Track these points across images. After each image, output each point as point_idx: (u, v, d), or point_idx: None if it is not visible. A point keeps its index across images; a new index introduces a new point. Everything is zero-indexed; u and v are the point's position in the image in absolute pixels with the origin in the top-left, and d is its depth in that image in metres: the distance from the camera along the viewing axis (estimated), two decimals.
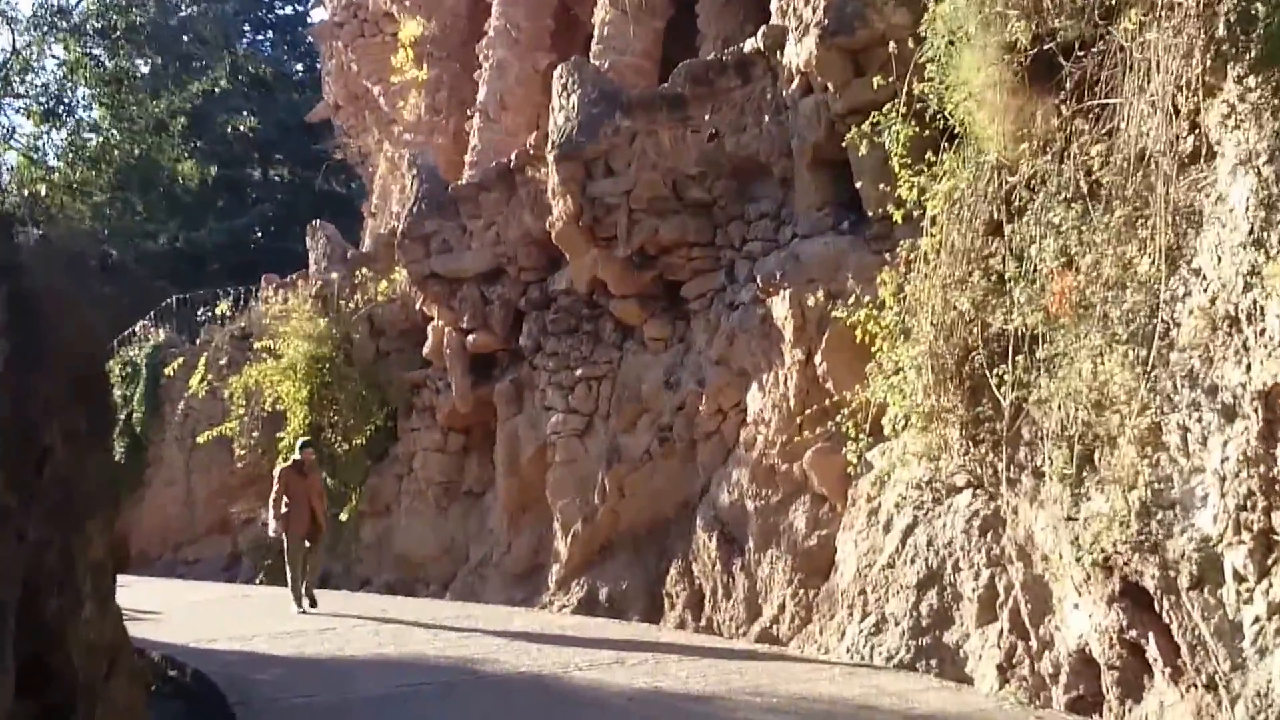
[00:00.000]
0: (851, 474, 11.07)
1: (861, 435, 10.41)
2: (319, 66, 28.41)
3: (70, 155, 32.53)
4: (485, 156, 18.34)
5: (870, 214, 11.18)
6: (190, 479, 23.47)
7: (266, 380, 19.52)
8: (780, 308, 12.01)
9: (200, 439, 21.56)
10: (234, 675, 10.74)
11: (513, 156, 15.89)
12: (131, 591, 17.47)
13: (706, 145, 13.21)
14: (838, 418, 10.69)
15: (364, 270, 19.31)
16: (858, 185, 11.27)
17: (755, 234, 12.95)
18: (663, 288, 14.19)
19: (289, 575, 14.81)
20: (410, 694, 9.86)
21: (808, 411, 11.67)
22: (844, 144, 10.91)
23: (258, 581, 20.53)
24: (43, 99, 26.43)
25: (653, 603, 13.56)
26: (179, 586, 20.27)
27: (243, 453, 20.94)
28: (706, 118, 13.20)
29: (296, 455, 15.25)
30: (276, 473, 15.11)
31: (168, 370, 23.64)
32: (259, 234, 34.03)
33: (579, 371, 15.04)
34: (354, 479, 18.94)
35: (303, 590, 14.74)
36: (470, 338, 16.79)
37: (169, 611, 15.77)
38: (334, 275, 19.83)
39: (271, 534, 15.29)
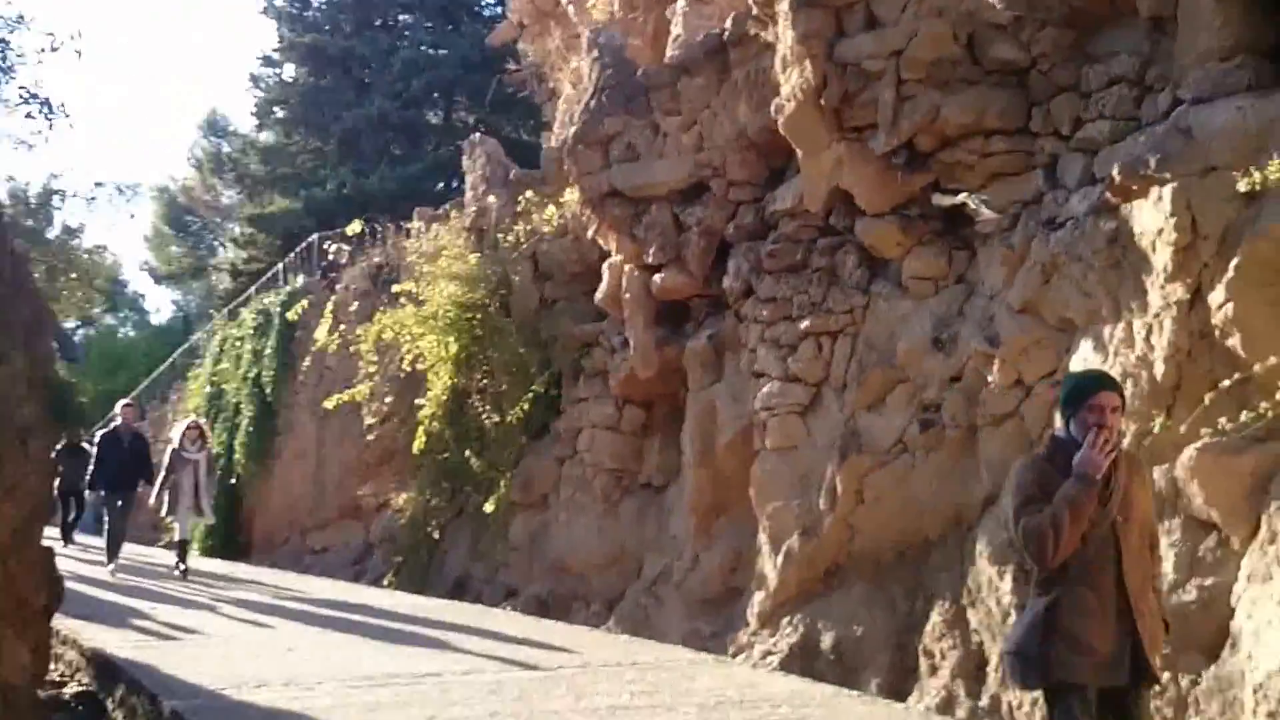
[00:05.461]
0: (1267, 491, 6.80)
1: None
2: None
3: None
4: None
5: None
6: (321, 452, 19.92)
7: (404, 331, 15.72)
8: (1152, 215, 7.54)
9: (329, 404, 17.84)
10: None
11: (728, 23, 11.64)
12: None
13: None
14: (1259, 406, 6.59)
15: (529, 195, 15.30)
16: None
17: (1099, 109, 8.42)
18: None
19: None
20: None
21: (1188, 386, 7.38)
22: None
23: (385, 583, 16.70)
24: None
25: (902, 662, 9.33)
26: (286, 583, 16.64)
27: (373, 421, 17.16)
28: None
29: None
30: (1018, 469, 5.53)
31: (290, 315, 20.03)
32: (437, 183, 30.90)
33: (805, 324, 10.79)
34: (504, 461, 14.97)
35: None
36: (658, 277, 12.63)
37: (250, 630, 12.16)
38: (491, 199, 15.92)
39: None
